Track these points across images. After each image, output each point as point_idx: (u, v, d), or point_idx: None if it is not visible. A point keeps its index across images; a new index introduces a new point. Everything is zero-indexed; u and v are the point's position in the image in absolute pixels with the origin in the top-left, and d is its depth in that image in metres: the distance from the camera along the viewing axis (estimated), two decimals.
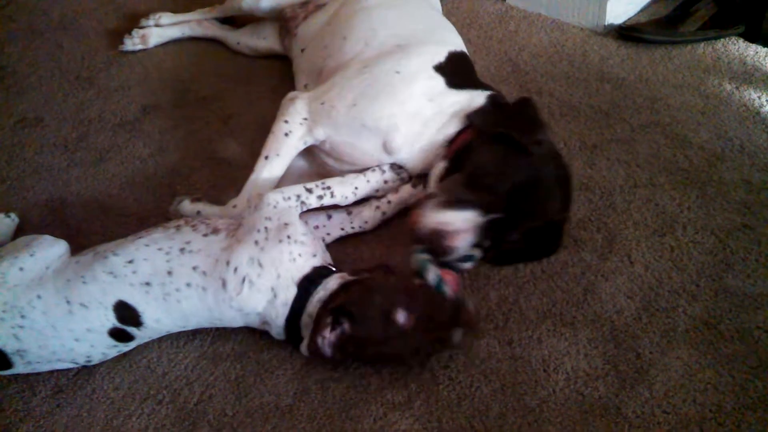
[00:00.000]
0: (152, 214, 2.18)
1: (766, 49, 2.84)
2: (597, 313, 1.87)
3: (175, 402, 1.71)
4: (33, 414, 1.69)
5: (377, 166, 2.03)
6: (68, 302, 1.64)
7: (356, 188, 1.98)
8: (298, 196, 1.85)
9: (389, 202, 2.06)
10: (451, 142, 1.99)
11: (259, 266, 1.66)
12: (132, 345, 1.76)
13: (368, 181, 2.00)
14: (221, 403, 1.70)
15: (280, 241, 1.70)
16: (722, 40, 2.89)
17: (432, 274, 1.72)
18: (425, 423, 1.64)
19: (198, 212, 2.04)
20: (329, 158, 2.12)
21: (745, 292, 1.90)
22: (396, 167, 2.04)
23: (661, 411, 1.65)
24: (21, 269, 1.67)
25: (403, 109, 1.99)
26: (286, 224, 1.74)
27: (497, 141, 1.88)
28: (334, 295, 1.66)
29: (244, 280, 1.65)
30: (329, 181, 1.95)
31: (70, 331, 1.64)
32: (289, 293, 1.67)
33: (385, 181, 2.03)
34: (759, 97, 2.58)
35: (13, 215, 2.14)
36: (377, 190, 2.03)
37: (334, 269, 1.77)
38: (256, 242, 1.69)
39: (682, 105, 2.56)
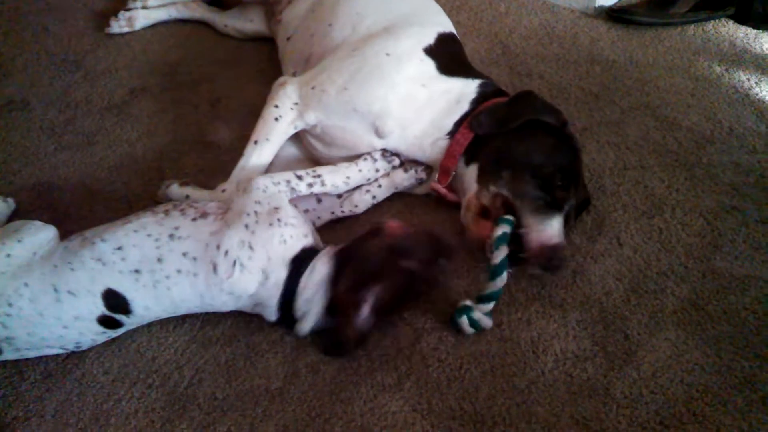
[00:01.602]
0: (141, 197, 2.16)
1: (755, 30, 2.85)
2: (586, 295, 1.88)
3: (165, 386, 1.71)
4: (22, 399, 1.69)
5: (368, 154, 2.02)
6: (56, 290, 1.63)
7: (348, 177, 1.97)
8: (288, 182, 1.84)
9: (380, 186, 2.05)
10: (450, 134, 1.99)
11: (250, 249, 1.66)
12: (121, 331, 1.76)
13: (360, 170, 1.99)
14: (211, 387, 1.70)
15: (271, 224, 1.70)
16: (712, 21, 2.89)
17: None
18: (415, 405, 1.65)
19: (186, 196, 2.03)
20: (319, 143, 2.11)
21: (733, 274, 1.92)
22: (388, 155, 2.04)
23: (649, 391, 1.67)
24: (8, 255, 1.65)
25: (394, 91, 1.98)
26: (276, 208, 1.74)
27: (532, 130, 1.90)
28: (337, 274, 1.66)
29: (234, 263, 1.65)
30: (320, 170, 1.94)
31: (58, 318, 1.63)
32: (281, 274, 1.67)
33: (377, 170, 2.02)
34: (748, 79, 2.58)
35: (10, 200, 2.12)
36: (369, 179, 2.02)
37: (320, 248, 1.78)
38: (246, 226, 1.69)
39: (671, 87, 2.57)
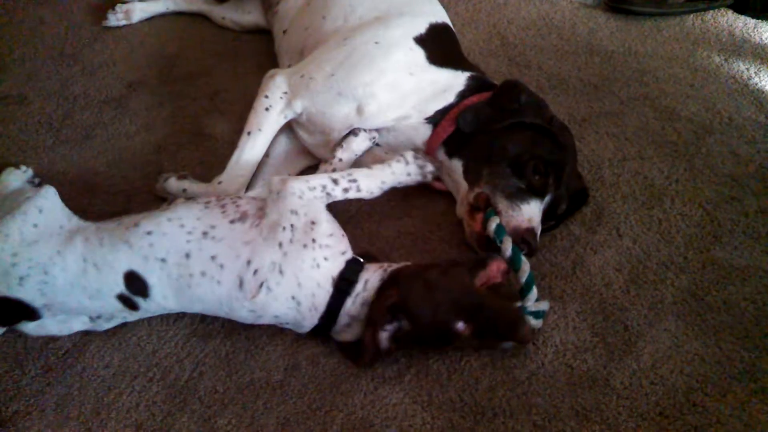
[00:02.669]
0: (139, 191, 2.16)
1: (755, 20, 2.84)
2: (586, 286, 1.88)
3: (166, 379, 1.71)
4: (23, 393, 1.69)
5: (401, 156, 1.93)
6: (84, 260, 1.64)
7: (383, 182, 1.90)
8: (324, 186, 1.77)
9: (341, 160, 2.01)
10: (430, 120, 1.98)
11: (280, 273, 1.61)
12: (136, 316, 1.76)
13: (393, 172, 1.91)
14: (212, 380, 1.70)
15: (305, 246, 1.64)
16: (711, 11, 2.88)
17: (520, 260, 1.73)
18: (415, 397, 1.65)
19: (184, 190, 2.02)
20: (304, 132, 2.11)
21: (732, 264, 1.92)
22: (420, 159, 1.94)
23: (649, 382, 1.67)
24: (35, 226, 1.67)
25: (381, 78, 1.98)
26: (313, 222, 1.68)
27: (516, 128, 1.89)
28: (383, 290, 1.61)
29: (262, 284, 1.61)
30: (356, 173, 1.86)
31: (84, 288, 1.64)
32: (318, 298, 1.63)
33: (408, 174, 1.94)
34: (747, 69, 2.58)
35: (23, 167, 2.17)
36: (401, 183, 1.94)
37: (362, 260, 1.72)
38: (281, 244, 1.63)
39: (670, 77, 2.56)
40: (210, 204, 1.73)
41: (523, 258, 1.73)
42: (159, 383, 1.70)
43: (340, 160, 2.01)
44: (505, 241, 1.74)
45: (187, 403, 1.66)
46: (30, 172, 2.17)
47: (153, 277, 1.65)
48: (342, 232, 1.76)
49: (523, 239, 1.77)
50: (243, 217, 1.69)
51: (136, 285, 1.65)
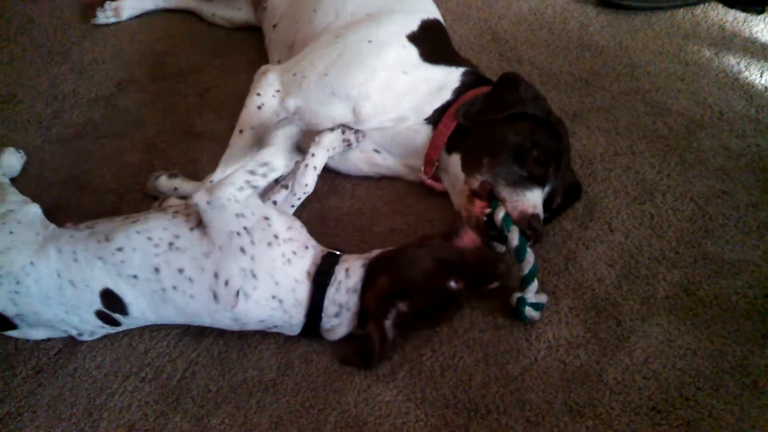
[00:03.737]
0: (130, 189, 2.15)
1: (744, 14, 2.84)
2: (578, 282, 1.88)
3: (158, 379, 1.71)
4: (14, 394, 1.68)
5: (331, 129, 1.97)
6: (59, 275, 1.61)
7: (316, 162, 1.92)
8: (248, 182, 1.66)
9: (314, 155, 1.96)
10: (429, 121, 1.98)
11: (254, 278, 1.58)
12: (120, 329, 1.74)
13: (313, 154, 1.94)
14: (204, 379, 1.70)
15: (269, 244, 1.62)
16: (701, 5, 2.88)
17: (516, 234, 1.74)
18: (409, 394, 1.65)
19: (175, 188, 2.02)
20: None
21: (724, 258, 1.92)
22: (349, 131, 1.99)
23: (642, 377, 1.68)
24: (11, 233, 1.65)
25: (374, 77, 1.96)
26: (266, 218, 1.65)
27: (514, 117, 1.89)
28: (369, 281, 1.62)
29: (238, 293, 1.58)
30: (264, 156, 1.74)
31: (61, 303, 1.62)
32: (299, 293, 1.62)
33: (333, 148, 1.97)
34: (738, 63, 2.58)
35: (21, 152, 2.26)
36: (334, 150, 1.97)
37: (338, 253, 1.71)
38: (243, 249, 1.59)
39: (661, 72, 2.56)
40: (179, 212, 1.70)
41: (528, 249, 1.74)
42: (151, 383, 1.70)
43: (314, 155, 1.94)
44: (512, 230, 1.74)
45: (179, 402, 1.66)
46: (23, 154, 2.26)
47: (128, 296, 1.63)
48: (299, 223, 1.75)
49: (530, 224, 1.77)
50: (198, 224, 1.64)
51: (113, 302, 1.64)
